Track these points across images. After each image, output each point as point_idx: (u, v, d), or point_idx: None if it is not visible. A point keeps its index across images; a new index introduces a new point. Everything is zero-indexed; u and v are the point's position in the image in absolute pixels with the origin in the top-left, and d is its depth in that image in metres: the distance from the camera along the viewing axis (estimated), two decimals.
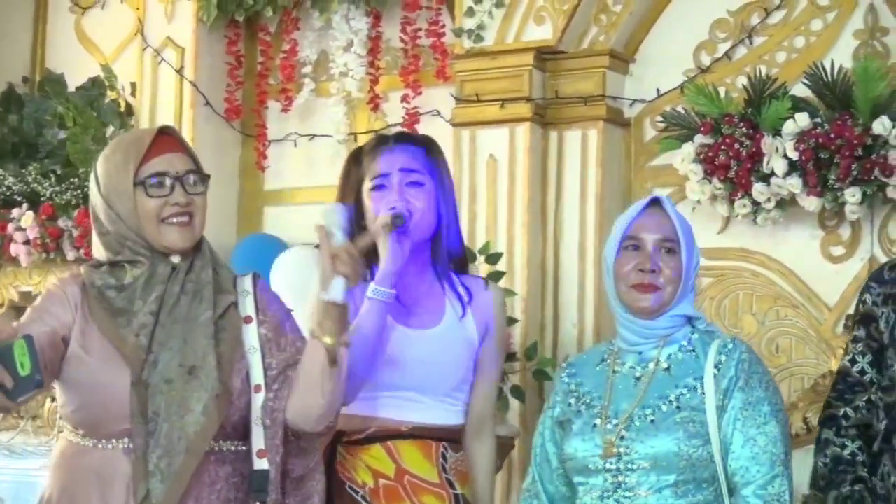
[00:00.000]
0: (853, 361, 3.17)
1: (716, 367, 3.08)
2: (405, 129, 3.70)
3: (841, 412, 3.15)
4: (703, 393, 3.07)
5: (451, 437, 3.43)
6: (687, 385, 3.10)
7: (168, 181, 3.23)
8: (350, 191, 3.49)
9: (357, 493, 3.35)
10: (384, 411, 3.38)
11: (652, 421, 3.07)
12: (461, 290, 3.49)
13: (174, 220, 3.24)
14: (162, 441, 3.14)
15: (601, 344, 3.41)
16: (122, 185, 3.23)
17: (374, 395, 3.37)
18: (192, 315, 3.26)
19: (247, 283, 3.37)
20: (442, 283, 3.47)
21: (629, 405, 3.11)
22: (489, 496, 3.52)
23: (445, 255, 3.47)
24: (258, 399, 3.19)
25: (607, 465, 3.08)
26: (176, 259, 3.27)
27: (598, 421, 3.13)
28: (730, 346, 3.12)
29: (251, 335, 3.27)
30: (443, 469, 3.38)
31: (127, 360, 3.16)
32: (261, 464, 3.18)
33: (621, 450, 3.07)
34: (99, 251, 3.30)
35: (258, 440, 3.19)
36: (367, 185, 3.43)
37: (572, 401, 3.22)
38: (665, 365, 3.14)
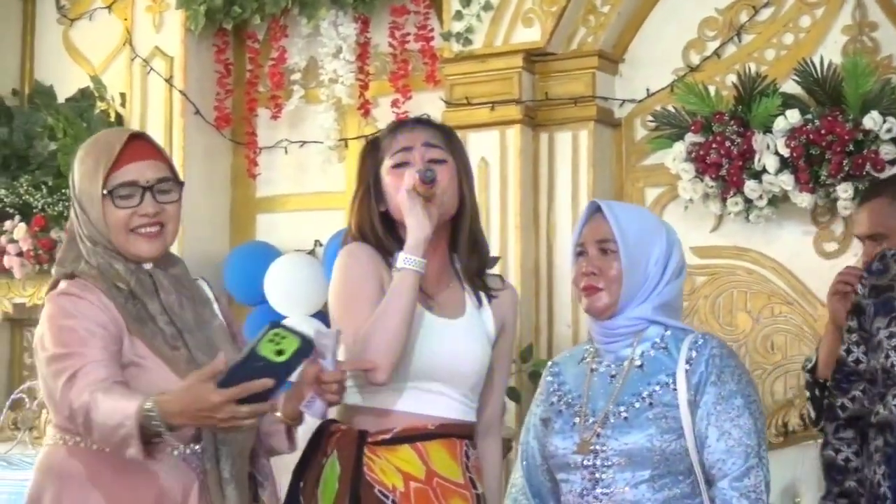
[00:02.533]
0: (848, 351, 3.20)
1: (687, 362, 3.11)
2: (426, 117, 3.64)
3: (838, 403, 3.18)
4: (676, 389, 3.10)
5: (470, 435, 3.35)
6: (659, 381, 3.12)
7: (137, 191, 3.14)
8: (368, 175, 3.35)
9: (387, 497, 3.22)
10: (409, 405, 3.26)
11: (625, 418, 3.11)
12: (479, 282, 3.39)
13: (143, 230, 3.16)
14: (226, 448, 3.12)
15: (584, 343, 3.41)
16: (93, 191, 3.15)
17: (400, 385, 3.25)
18: (204, 320, 3.24)
19: (206, 288, 3.36)
20: (459, 273, 3.38)
21: (605, 403, 3.15)
22: (498, 495, 3.44)
23: (465, 241, 3.36)
24: None
25: (584, 462, 3.12)
26: (147, 266, 3.19)
27: (576, 419, 3.17)
28: (700, 341, 3.14)
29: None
30: (466, 468, 3.30)
31: (179, 370, 3.09)
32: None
33: (597, 447, 3.11)
34: (70, 254, 3.22)
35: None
36: (388, 163, 3.30)
37: (554, 399, 3.26)
38: (638, 362, 3.17)
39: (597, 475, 3.10)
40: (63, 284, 3.16)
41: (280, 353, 2.79)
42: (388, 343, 3.16)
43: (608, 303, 3.17)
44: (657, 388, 3.12)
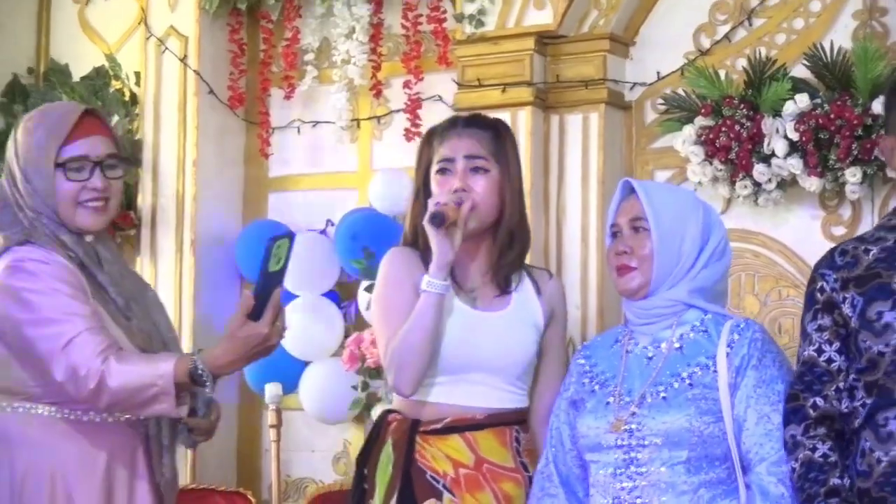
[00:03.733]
0: (820, 351, 3.10)
1: (728, 345, 3.08)
2: (478, 112, 3.70)
3: (809, 403, 3.08)
4: (716, 371, 3.07)
5: (521, 420, 3.44)
6: (699, 363, 3.10)
7: (88, 165, 3.21)
8: (420, 172, 3.49)
9: (438, 482, 3.33)
10: (457, 398, 3.38)
11: (664, 398, 3.08)
12: (525, 274, 3.50)
13: (90, 204, 3.22)
14: (165, 417, 3.20)
15: (617, 326, 3.41)
16: (42, 163, 3.20)
17: (444, 379, 3.38)
18: (140, 291, 3.33)
19: None
20: (506, 268, 3.46)
21: (642, 383, 3.13)
22: None
23: (507, 240, 3.45)
24: None
25: (619, 442, 3.09)
26: (89, 239, 3.26)
27: (610, 399, 3.15)
28: (742, 325, 3.12)
29: None
30: (517, 453, 3.39)
31: (135, 341, 3.18)
32: None
33: (633, 426, 3.08)
34: (6, 218, 3.25)
35: None
36: (434, 167, 3.44)
37: (586, 381, 3.24)
38: (678, 345, 3.15)
39: (631, 454, 3.07)
40: (22, 249, 3.17)
41: (278, 260, 3.00)
42: (408, 360, 3.30)
43: (641, 282, 3.16)
44: (697, 369, 3.10)
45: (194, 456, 5.73)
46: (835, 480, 3.03)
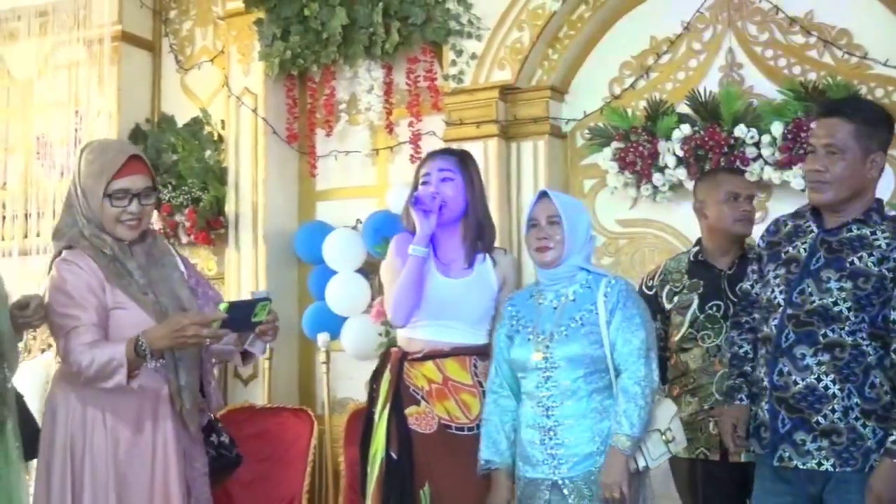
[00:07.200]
0: (752, 286, 3.26)
1: (604, 295, 3.25)
2: (449, 147, 4.07)
3: (743, 319, 3.25)
4: (597, 313, 3.23)
5: (480, 352, 3.51)
6: (587, 309, 3.26)
7: (128, 195, 3.16)
8: (414, 184, 3.60)
9: (418, 393, 3.45)
10: (433, 335, 3.48)
11: (566, 334, 3.24)
12: (487, 254, 3.58)
13: (128, 223, 3.18)
14: (182, 363, 3.17)
15: (530, 285, 3.52)
16: (96, 190, 3.17)
17: (426, 323, 3.48)
18: (167, 275, 3.24)
19: (175, 255, 3.37)
20: (471, 250, 3.55)
21: (551, 325, 3.27)
22: None
23: (474, 229, 3.55)
24: None
25: (538, 365, 3.24)
26: (126, 242, 3.22)
27: (531, 336, 3.29)
28: (612, 281, 3.30)
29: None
30: (474, 374, 3.47)
31: (148, 310, 3.13)
32: None
33: (548, 354, 3.23)
34: (67, 221, 3.22)
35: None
36: (420, 181, 3.57)
37: (513, 322, 3.37)
38: (572, 297, 3.30)
39: (548, 373, 3.22)
40: (63, 253, 3.15)
41: (256, 315, 3.04)
42: (400, 301, 3.43)
43: (555, 257, 3.29)
44: (585, 313, 3.25)
45: (269, 385, 5.72)
46: (746, 368, 3.22)
